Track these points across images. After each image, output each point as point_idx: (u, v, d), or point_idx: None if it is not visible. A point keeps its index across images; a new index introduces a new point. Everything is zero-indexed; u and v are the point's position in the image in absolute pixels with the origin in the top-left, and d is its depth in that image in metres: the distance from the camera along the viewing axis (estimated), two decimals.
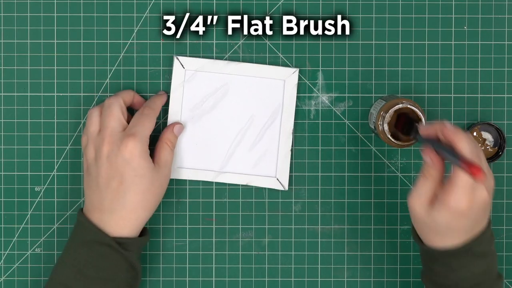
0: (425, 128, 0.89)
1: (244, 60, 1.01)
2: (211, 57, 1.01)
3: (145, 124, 0.94)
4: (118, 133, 0.93)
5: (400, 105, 0.93)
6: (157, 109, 0.97)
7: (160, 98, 0.98)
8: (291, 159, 1.01)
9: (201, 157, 1.01)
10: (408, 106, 0.93)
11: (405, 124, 0.93)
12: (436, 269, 0.90)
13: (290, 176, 1.02)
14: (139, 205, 0.93)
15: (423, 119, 0.93)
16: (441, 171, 0.87)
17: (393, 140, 0.93)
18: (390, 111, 0.93)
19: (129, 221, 0.93)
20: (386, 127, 0.93)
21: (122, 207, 0.92)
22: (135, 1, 1.02)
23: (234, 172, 1.01)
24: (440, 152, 0.87)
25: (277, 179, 1.01)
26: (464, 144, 0.84)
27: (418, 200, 0.87)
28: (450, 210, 0.84)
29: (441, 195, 0.85)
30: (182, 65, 1.00)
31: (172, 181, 1.02)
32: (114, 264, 0.92)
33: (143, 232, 0.97)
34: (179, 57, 1.00)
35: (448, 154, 0.84)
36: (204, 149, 1.01)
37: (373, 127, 0.97)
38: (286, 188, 1.01)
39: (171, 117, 1.00)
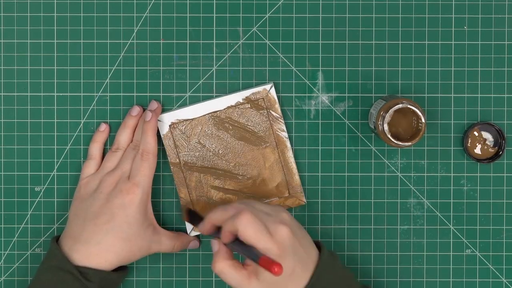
0: (202, 225, 0.91)
1: (244, 60, 1.01)
2: (211, 58, 1.01)
3: (147, 173, 0.96)
4: (126, 178, 0.96)
5: (400, 105, 0.93)
6: (155, 151, 0.97)
7: (151, 136, 0.97)
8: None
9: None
10: (408, 106, 0.93)
11: (190, 218, 0.95)
12: None
13: None
14: (113, 249, 0.94)
15: (422, 119, 0.93)
16: (230, 259, 0.89)
17: (393, 140, 0.93)
18: (390, 111, 0.93)
19: (97, 257, 0.93)
20: (386, 127, 0.93)
21: (97, 242, 0.93)
22: (135, 1, 1.02)
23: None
24: (233, 247, 0.89)
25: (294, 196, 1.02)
26: (244, 229, 0.86)
27: (240, 285, 0.88)
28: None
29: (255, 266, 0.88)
30: (162, 121, 1.00)
31: (169, 182, 1.02)
32: None
33: (121, 269, 0.98)
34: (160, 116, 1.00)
35: (242, 250, 0.87)
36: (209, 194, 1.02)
37: (373, 127, 0.97)
38: (305, 201, 1.02)
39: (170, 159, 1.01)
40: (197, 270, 1.02)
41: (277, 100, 1.00)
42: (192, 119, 1.00)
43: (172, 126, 1.00)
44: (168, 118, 1.00)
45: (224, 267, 0.88)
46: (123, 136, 0.99)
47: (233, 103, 1.00)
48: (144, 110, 1.00)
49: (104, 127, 1.00)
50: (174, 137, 1.00)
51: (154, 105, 0.99)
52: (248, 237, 0.86)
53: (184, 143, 1.00)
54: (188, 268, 1.02)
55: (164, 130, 1.00)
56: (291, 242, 0.87)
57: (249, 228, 0.86)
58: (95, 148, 1.00)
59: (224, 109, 1.00)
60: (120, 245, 0.94)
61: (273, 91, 1.00)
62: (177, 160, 1.00)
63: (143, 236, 0.95)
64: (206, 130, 1.00)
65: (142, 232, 0.95)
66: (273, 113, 1.00)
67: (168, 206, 1.02)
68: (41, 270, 0.94)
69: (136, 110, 1.00)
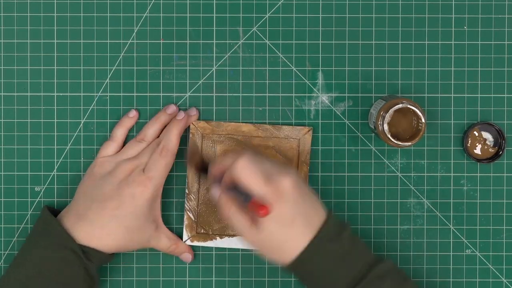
0: (209, 174, 0.92)
1: (244, 60, 1.01)
2: (211, 58, 1.01)
3: (162, 170, 0.96)
4: (142, 170, 0.95)
5: (400, 105, 0.93)
6: (175, 150, 0.97)
7: (176, 135, 0.97)
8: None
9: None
10: (408, 106, 0.93)
11: (199, 168, 0.96)
12: (313, 274, 0.89)
13: None
14: (115, 236, 0.94)
15: (422, 119, 0.93)
16: (233, 200, 0.90)
17: (393, 140, 0.93)
18: (390, 111, 0.93)
19: (98, 240, 0.94)
20: (386, 127, 0.93)
21: (101, 226, 0.93)
22: (135, 1, 1.02)
23: None
24: (231, 195, 0.89)
25: None
26: (240, 172, 0.87)
27: (243, 231, 0.89)
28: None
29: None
30: (198, 129, 1.01)
31: (171, 181, 1.02)
32: (74, 270, 0.92)
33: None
34: (195, 123, 1.00)
35: (238, 196, 0.88)
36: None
37: (373, 127, 0.97)
38: None
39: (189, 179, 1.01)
40: (197, 270, 1.02)
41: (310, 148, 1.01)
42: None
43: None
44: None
45: (231, 209, 0.88)
46: (152, 130, 0.99)
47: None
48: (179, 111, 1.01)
49: (133, 114, 1.01)
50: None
51: (193, 111, 1.00)
52: (243, 180, 0.87)
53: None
54: (188, 268, 1.02)
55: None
56: (293, 193, 0.87)
57: (244, 171, 0.87)
58: (120, 132, 1.00)
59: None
60: (122, 234, 0.94)
61: (309, 136, 1.01)
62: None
63: (145, 230, 0.96)
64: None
65: (145, 226, 0.95)
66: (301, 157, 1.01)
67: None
68: (38, 247, 0.93)
69: (172, 108, 1.00)
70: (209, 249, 1.02)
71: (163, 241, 0.98)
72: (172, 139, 0.97)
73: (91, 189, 0.96)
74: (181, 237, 1.01)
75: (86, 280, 0.93)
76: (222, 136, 1.01)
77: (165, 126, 1.00)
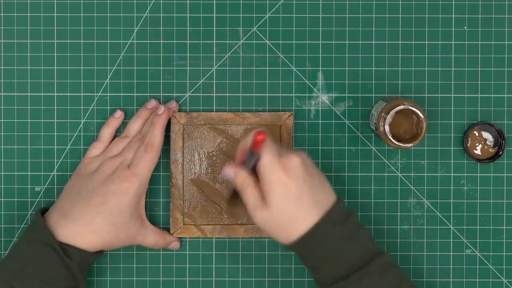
0: (236, 160, 0.93)
1: (244, 60, 1.01)
2: (211, 58, 1.01)
3: (147, 166, 0.96)
4: (126, 166, 0.96)
5: (402, 107, 0.93)
6: (159, 145, 0.97)
7: (159, 130, 0.97)
8: None
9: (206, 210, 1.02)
10: (410, 107, 0.93)
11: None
12: (311, 254, 0.90)
13: None
14: (100, 233, 0.93)
15: (424, 120, 0.93)
16: (250, 175, 0.91)
17: (394, 141, 0.93)
18: (391, 112, 0.93)
19: (82, 237, 0.93)
20: (387, 128, 0.93)
21: (85, 222, 0.93)
22: (135, 1, 1.01)
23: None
24: (248, 160, 0.90)
25: None
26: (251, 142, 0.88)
27: (254, 207, 0.89)
28: (274, 185, 0.88)
29: (262, 185, 0.89)
30: (179, 121, 1.00)
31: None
32: (54, 268, 0.92)
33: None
34: (175, 115, 1.00)
35: (248, 159, 0.90)
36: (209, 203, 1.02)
37: (374, 128, 0.97)
38: None
39: (172, 165, 1.01)
40: (197, 270, 1.02)
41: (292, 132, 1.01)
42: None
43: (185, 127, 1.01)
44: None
45: (247, 183, 0.90)
46: (135, 126, 0.99)
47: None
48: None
49: (119, 114, 1.01)
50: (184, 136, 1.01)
51: (172, 104, 1.00)
52: (258, 149, 0.88)
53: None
54: (188, 268, 1.02)
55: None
56: (301, 170, 0.88)
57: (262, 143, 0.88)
58: (106, 132, 1.00)
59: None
60: (107, 230, 0.94)
61: (290, 120, 1.01)
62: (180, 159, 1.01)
63: (131, 226, 0.95)
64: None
65: (130, 223, 0.95)
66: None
67: (165, 206, 1.02)
68: (22, 244, 0.93)
69: (152, 103, 1.00)
70: (209, 249, 1.02)
71: (150, 236, 0.98)
72: (156, 134, 0.97)
73: (76, 187, 0.96)
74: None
75: (68, 279, 0.92)
76: (202, 126, 1.00)
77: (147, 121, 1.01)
